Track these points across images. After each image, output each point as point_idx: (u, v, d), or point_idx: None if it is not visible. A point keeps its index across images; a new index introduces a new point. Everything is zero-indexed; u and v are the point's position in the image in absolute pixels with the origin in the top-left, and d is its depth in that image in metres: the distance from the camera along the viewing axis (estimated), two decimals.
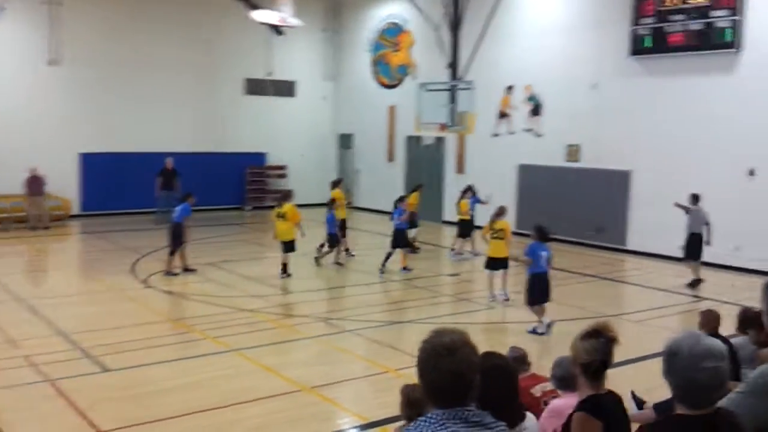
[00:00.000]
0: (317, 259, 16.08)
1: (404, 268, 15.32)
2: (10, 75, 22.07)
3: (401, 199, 16.10)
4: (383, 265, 15.20)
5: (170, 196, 21.43)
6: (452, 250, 17.44)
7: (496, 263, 13.14)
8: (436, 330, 2.79)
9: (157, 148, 23.55)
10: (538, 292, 11.00)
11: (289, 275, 14.71)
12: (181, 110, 24.86)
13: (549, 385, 5.63)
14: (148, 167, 22.63)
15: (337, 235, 15.97)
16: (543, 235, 11.13)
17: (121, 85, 23.59)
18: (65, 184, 22.62)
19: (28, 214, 20.89)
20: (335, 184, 18.00)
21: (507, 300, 13.06)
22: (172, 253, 14.81)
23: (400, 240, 15.44)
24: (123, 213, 22.43)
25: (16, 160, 21.43)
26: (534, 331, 10.97)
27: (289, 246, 14.79)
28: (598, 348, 3.69)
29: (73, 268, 17.37)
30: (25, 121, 22.20)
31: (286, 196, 15.52)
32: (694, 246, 14.39)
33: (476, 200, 17.52)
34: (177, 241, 14.76)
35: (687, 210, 14.47)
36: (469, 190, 17.62)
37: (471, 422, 2.67)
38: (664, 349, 2.94)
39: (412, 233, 17.47)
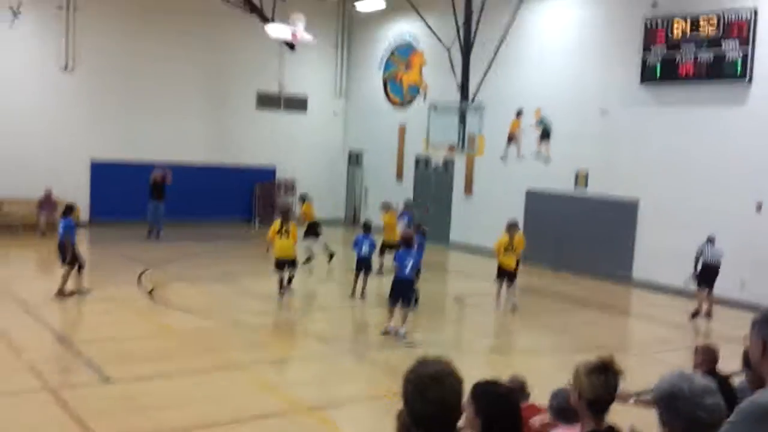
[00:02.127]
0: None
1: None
2: (25, 80, 22.30)
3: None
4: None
5: (158, 207, 21.70)
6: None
7: (507, 273, 14.18)
8: (421, 359, 2.81)
9: (168, 158, 23.69)
10: (395, 295, 11.90)
11: (291, 291, 14.49)
12: (193, 121, 25.04)
13: (548, 417, 5.61)
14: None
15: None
16: (409, 244, 12.25)
17: (133, 94, 23.79)
18: (76, 191, 22.71)
19: (38, 221, 21.08)
20: (388, 208, 17.54)
21: (514, 304, 14.17)
22: (79, 270, 13.68)
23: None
24: (131, 222, 22.50)
25: (29, 166, 21.70)
26: (386, 332, 11.79)
27: (292, 263, 14.44)
28: (605, 384, 3.66)
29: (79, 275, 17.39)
30: (38, 127, 22.41)
31: (288, 211, 14.94)
32: (708, 275, 14.33)
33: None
34: (71, 258, 13.56)
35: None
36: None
37: None
38: (657, 394, 2.95)
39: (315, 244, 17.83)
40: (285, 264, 14.30)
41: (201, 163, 24.98)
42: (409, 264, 11.93)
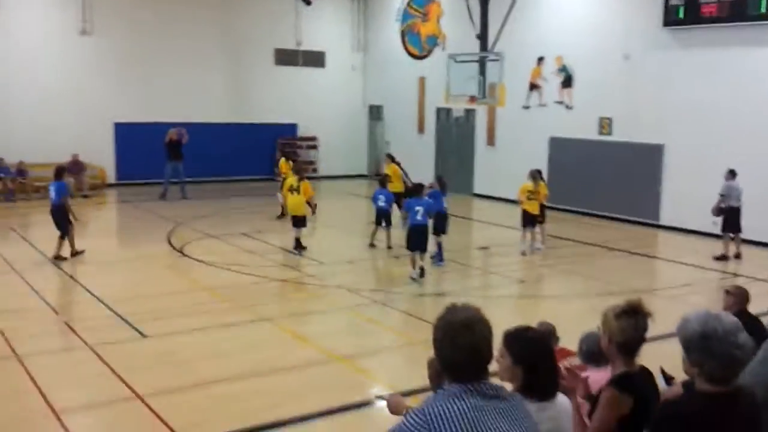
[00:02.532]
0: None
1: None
2: (44, 46, 22.42)
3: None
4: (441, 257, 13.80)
5: (176, 168, 21.64)
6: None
7: (531, 219, 14.65)
8: (450, 306, 2.84)
9: (189, 118, 23.83)
10: (412, 242, 12.34)
11: (305, 248, 14.48)
12: (213, 80, 25.09)
13: (576, 360, 5.69)
14: None
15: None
16: (417, 192, 12.89)
17: (152, 55, 23.82)
18: (101, 153, 23.00)
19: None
20: (392, 159, 17.63)
21: (539, 249, 14.84)
22: (63, 237, 13.42)
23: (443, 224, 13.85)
24: (158, 182, 22.69)
25: (54, 131, 21.92)
26: (413, 279, 12.35)
27: (301, 221, 14.48)
28: (635, 326, 3.71)
29: (110, 236, 17.73)
30: (60, 91, 22.58)
31: (301, 169, 15.17)
32: (733, 220, 14.42)
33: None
34: (64, 223, 13.41)
35: (719, 211, 14.54)
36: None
37: (487, 395, 2.74)
38: (686, 335, 2.98)
39: None
40: (297, 220, 14.46)
41: (223, 122, 25.08)
42: (420, 211, 12.40)
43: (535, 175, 15.03)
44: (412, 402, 3.82)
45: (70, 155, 21.37)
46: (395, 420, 2.87)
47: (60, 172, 14.05)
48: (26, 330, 9.52)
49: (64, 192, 13.53)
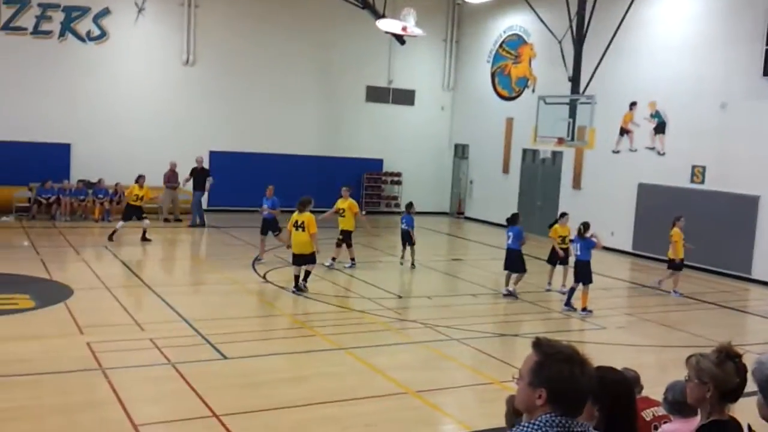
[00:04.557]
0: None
1: (584, 309, 13.30)
2: (148, 74, 23.55)
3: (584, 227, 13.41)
4: (568, 302, 13.58)
5: (195, 197, 21.57)
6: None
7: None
8: (551, 340, 2.80)
9: (282, 150, 24.61)
10: (505, 263, 14.50)
11: (304, 290, 13.58)
12: (305, 113, 25.76)
13: (661, 410, 5.51)
14: (273, 167, 23.65)
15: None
16: (510, 221, 14.63)
17: (249, 87, 24.69)
18: None
19: (162, 207, 22.17)
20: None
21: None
22: None
23: (583, 273, 13.26)
24: (246, 210, 23.25)
25: (151, 156, 22.78)
26: (508, 293, 14.27)
27: (309, 258, 13.57)
28: (737, 370, 3.60)
29: (197, 260, 18.26)
30: (161, 118, 23.61)
31: (305, 204, 13.75)
32: None
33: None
34: None
35: None
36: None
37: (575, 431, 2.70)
38: (764, 376, 2.88)
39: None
40: (300, 259, 13.57)
41: (313, 154, 25.65)
42: (510, 237, 14.36)
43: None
44: None
45: (169, 165, 22.09)
46: None
47: None
48: (113, 345, 9.87)
49: None
